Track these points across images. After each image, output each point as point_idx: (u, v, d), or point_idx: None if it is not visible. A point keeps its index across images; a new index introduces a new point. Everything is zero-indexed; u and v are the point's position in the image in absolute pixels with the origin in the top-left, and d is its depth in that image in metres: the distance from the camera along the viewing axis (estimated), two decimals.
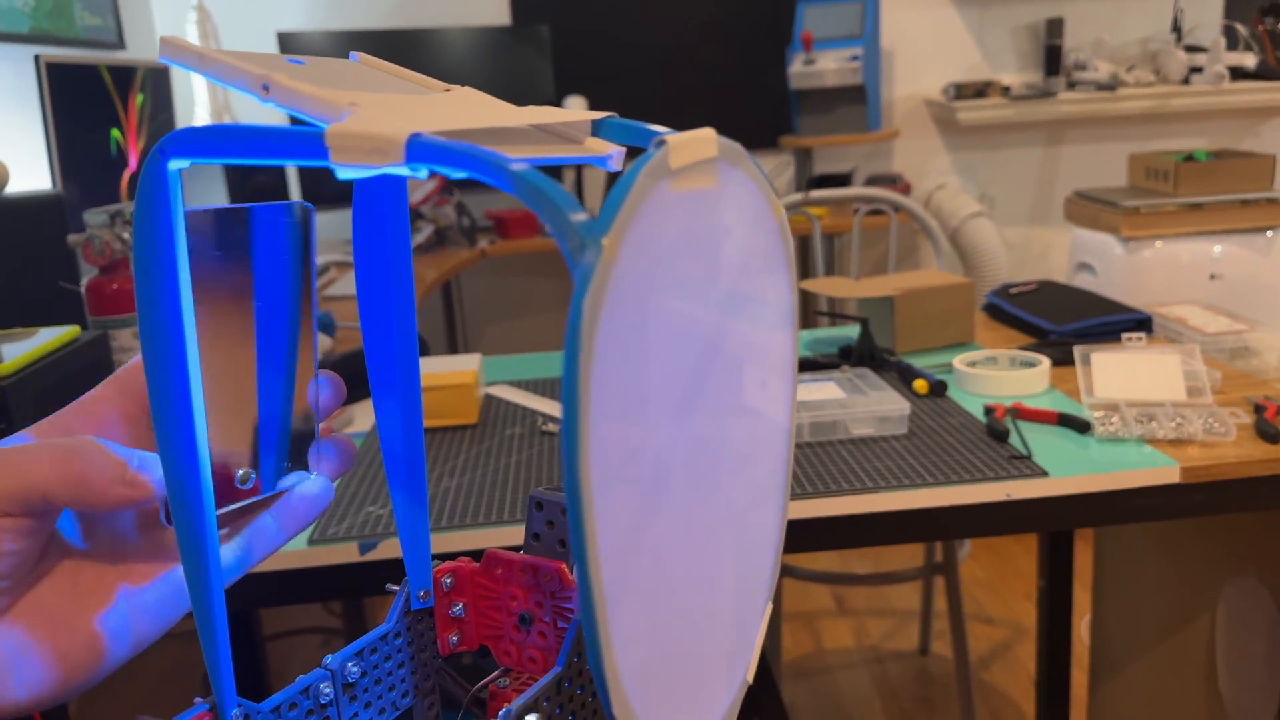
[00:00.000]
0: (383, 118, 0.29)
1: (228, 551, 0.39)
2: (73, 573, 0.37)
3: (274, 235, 0.38)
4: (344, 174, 0.29)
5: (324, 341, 1.61)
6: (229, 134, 0.30)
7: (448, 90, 0.37)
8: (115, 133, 2.18)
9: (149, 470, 0.35)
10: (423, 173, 0.28)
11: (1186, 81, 3.14)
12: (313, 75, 0.33)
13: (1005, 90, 3.16)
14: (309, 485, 0.40)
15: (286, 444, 0.39)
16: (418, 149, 0.27)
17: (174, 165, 0.31)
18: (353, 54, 0.39)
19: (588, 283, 0.25)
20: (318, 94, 0.29)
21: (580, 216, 0.26)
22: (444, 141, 0.27)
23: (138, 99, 2.32)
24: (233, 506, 0.37)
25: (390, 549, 1.02)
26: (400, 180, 0.38)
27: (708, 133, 0.30)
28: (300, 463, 0.40)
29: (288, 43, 2.85)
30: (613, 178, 3.00)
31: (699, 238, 0.30)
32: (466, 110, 0.34)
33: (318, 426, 0.40)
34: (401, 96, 0.33)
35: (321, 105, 0.29)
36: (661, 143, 0.28)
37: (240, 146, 0.30)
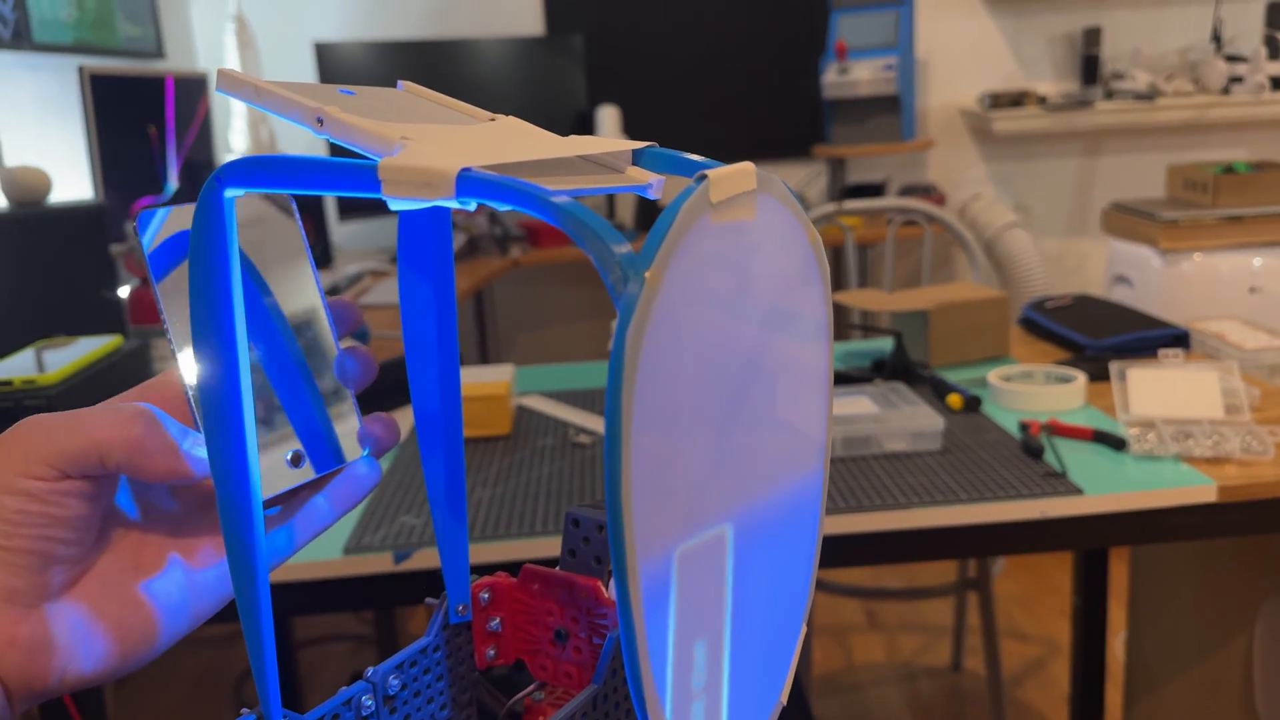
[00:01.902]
0: (433, 152, 0.30)
1: (280, 532, 0.40)
2: (134, 548, 0.38)
3: (258, 228, 0.39)
4: (396, 205, 0.30)
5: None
6: (284, 165, 0.31)
7: (493, 120, 0.37)
8: (151, 128, 2.22)
9: (201, 451, 0.36)
10: (471, 205, 0.29)
11: (1226, 91, 3.10)
12: (363, 107, 0.34)
13: (1041, 100, 3.13)
14: (358, 465, 0.41)
15: (330, 424, 0.40)
16: (467, 184, 0.28)
17: (229, 194, 0.32)
18: (400, 83, 0.39)
19: (631, 314, 0.26)
20: (371, 128, 0.30)
21: (623, 249, 0.27)
22: (492, 176, 0.28)
23: (176, 109, 2.36)
24: (286, 489, 0.38)
25: (425, 559, 1.03)
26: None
27: (747, 167, 0.30)
28: (349, 442, 0.41)
29: (325, 54, 2.88)
30: (641, 199, 3.01)
31: (737, 267, 0.31)
32: (512, 142, 0.34)
33: (356, 403, 0.41)
34: (449, 128, 0.34)
35: (374, 140, 0.30)
36: (702, 177, 0.29)
37: (294, 178, 0.30)
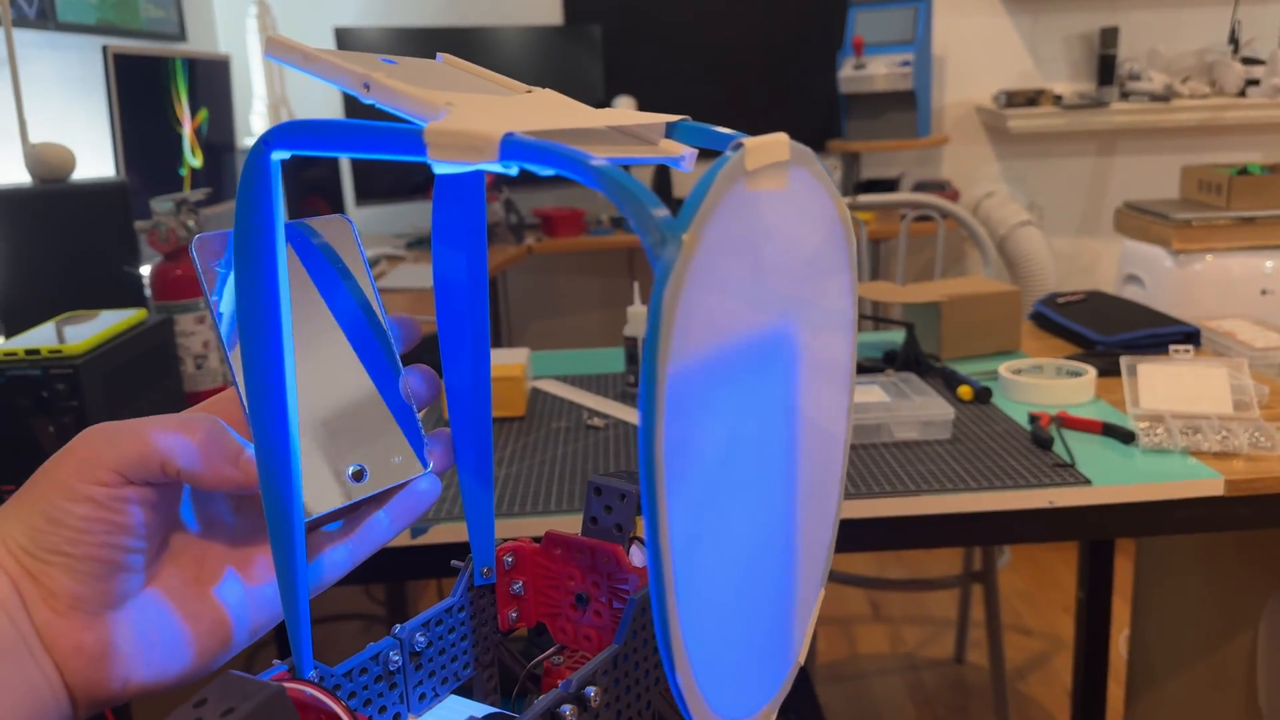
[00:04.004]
0: (476, 117, 0.31)
1: (340, 547, 0.40)
2: (196, 561, 0.38)
3: (319, 246, 0.40)
4: (440, 169, 0.31)
5: None
6: (330, 129, 0.32)
7: (529, 92, 0.38)
8: (173, 109, 2.23)
9: None
10: (514, 169, 0.30)
11: (1243, 94, 3.10)
12: (407, 75, 0.35)
13: (1057, 99, 3.13)
14: (419, 481, 0.42)
15: (396, 440, 0.41)
16: (511, 147, 0.29)
17: (276, 156, 0.33)
18: (439, 55, 0.41)
19: (668, 275, 0.27)
20: (417, 94, 0.32)
21: (662, 212, 0.28)
22: (535, 140, 0.29)
23: (198, 90, 2.37)
24: (349, 503, 0.39)
25: (441, 534, 1.04)
26: (479, 176, 0.40)
27: (781, 137, 0.31)
28: (412, 458, 0.42)
29: (345, 38, 2.89)
30: (660, 181, 3.02)
31: (770, 236, 0.32)
32: (550, 111, 0.35)
33: (418, 420, 0.42)
34: (490, 97, 0.35)
35: (420, 105, 0.31)
36: (738, 145, 0.30)
37: (340, 141, 0.31)
